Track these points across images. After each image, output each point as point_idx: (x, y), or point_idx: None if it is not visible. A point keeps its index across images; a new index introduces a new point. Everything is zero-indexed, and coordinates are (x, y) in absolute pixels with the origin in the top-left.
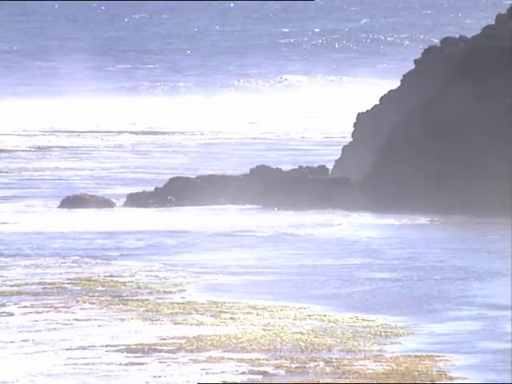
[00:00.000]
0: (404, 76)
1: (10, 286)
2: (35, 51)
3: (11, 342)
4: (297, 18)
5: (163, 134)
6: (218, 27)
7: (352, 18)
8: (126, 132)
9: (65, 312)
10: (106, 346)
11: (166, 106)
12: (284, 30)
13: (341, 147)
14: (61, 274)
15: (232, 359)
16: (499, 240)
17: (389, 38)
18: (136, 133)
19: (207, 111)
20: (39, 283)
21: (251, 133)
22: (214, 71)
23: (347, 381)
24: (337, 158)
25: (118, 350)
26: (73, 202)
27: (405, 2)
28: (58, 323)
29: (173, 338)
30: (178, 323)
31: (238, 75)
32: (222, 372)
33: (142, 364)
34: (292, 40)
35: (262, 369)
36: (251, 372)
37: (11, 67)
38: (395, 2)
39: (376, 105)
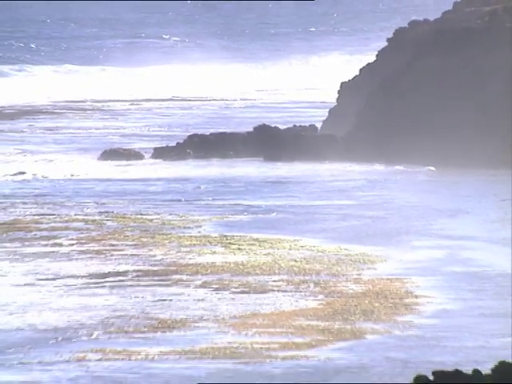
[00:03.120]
0: (379, 52)
1: (60, 222)
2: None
3: (61, 266)
4: None
5: (183, 100)
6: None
7: None
8: (153, 99)
9: (103, 244)
10: (137, 271)
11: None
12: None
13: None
14: (100, 212)
15: (239, 281)
16: (468, 184)
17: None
18: (162, 100)
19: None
20: (82, 220)
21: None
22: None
23: (332, 299)
24: (324, 119)
25: (146, 275)
26: (110, 154)
27: None
28: (97, 252)
29: (191, 264)
30: (195, 252)
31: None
32: (231, 292)
33: (168, 285)
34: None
35: (262, 288)
36: (254, 291)
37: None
38: None
39: (356, 75)
